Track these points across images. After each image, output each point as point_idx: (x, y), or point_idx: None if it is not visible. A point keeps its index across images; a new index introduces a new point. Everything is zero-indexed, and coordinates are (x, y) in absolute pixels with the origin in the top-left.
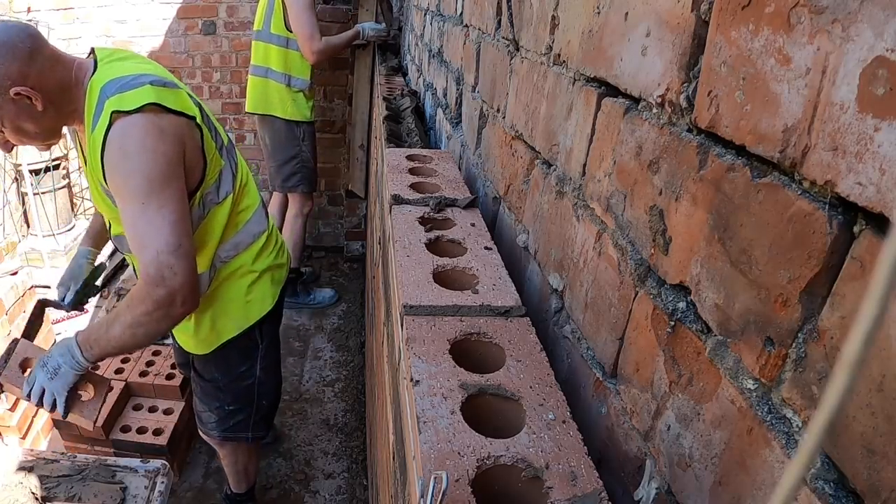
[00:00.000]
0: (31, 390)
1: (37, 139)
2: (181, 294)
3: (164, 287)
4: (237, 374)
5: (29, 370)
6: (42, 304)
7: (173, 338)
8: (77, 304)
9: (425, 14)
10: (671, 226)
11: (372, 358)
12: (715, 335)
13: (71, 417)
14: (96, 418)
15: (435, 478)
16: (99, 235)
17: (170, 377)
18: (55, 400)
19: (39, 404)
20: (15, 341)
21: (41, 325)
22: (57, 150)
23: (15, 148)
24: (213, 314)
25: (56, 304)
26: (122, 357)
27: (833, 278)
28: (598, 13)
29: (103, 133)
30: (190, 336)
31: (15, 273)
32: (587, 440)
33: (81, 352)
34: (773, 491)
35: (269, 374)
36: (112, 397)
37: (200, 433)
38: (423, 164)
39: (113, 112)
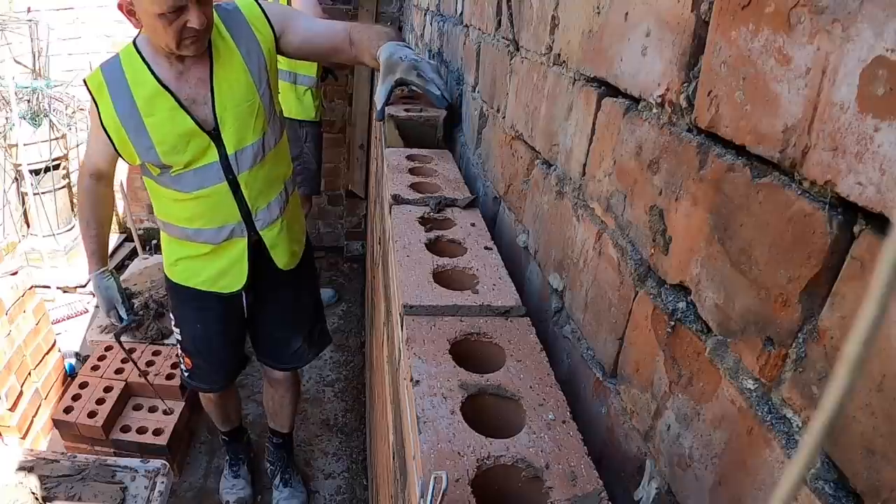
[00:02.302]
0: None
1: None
2: None
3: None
4: (311, 287)
5: None
6: (117, 339)
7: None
8: (131, 311)
9: (425, 14)
10: (671, 226)
11: (372, 358)
12: (715, 335)
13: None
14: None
15: (435, 478)
16: (104, 250)
17: (170, 377)
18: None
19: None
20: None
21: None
22: (57, 150)
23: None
24: (299, 226)
25: (122, 330)
26: (122, 357)
27: (833, 278)
28: (598, 13)
29: (260, 11)
30: (299, 242)
31: (15, 273)
32: (587, 440)
33: None
34: (773, 491)
35: (319, 280)
36: (112, 397)
37: (285, 376)
38: (423, 164)
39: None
